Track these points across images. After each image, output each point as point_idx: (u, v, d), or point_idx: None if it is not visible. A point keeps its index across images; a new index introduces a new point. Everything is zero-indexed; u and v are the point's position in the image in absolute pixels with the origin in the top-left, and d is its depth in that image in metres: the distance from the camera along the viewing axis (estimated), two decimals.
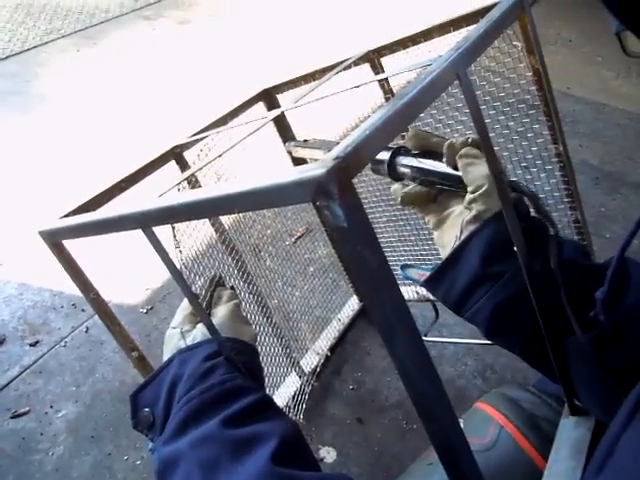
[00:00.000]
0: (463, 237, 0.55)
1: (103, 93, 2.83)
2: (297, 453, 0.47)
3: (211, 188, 0.38)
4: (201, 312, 0.57)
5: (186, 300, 0.67)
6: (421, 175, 0.60)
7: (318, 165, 0.30)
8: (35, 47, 3.38)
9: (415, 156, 0.61)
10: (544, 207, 0.54)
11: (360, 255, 0.31)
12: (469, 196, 0.55)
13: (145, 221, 0.46)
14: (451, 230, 0.58)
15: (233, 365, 0.55)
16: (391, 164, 0.62)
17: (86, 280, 0.69)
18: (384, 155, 0.63)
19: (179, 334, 0.61)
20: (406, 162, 0.61)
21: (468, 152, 0.56)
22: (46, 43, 3.43)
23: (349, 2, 3.80)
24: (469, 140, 0.57)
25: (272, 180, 0.33)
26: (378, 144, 0.35)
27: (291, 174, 0.31)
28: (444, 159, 0.58)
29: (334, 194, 0.30)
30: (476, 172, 0.54)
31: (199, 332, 0.60)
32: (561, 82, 2.68)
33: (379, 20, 3.36)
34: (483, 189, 0.54)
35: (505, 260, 0.52)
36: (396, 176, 0.64)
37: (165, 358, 0.60)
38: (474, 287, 0.54)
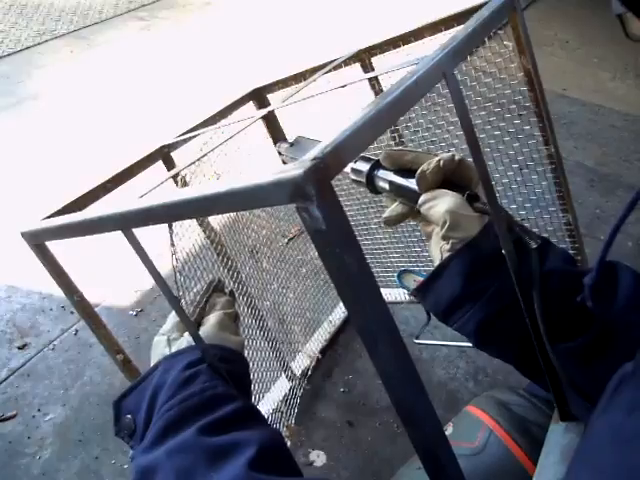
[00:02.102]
0: (444, 257, 0.56)
1: (96, 94, 2.81)
2: (277, 461, 0.46)
3: (189, 189, 0.37)
4: (183, 316, 0.55)
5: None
6: (398, 191, 0.59)
7: (296, 166, 0.29)
8: (28, 48, 3.36)
9: (394, 172, 0.60)
10: (519, 224, 0.54)
11: (340, 259, 0.30)
12: (440, 233, 0.55)
13: (125, 223, 0.45)
14: (435, 248, 0.58)
15: (216, 372, 0.54)
16: (370, 177, 0.62)
17: (70, 282, 0.67)
18: (364, 167, 0.62)
19: (165, 341, 0.60)
20: (384, 176, 0.60)
21: (426, 198, 0.56)
22: (39, 44, 3.41)
23: (341, 1, 3.80)
24: (441, 164, 0.56)
25: (250, 181, 0.32)
26: (359, 145, 0.34)
27: (269, 175, 0.31)
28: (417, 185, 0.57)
29: (312, 195, 0.29)
30: (437, 212, 0.55)
31: (185, 340, 0.59)
32: (557, 83, 2.68)
33: (370, 19, 3.35)
34: (447, 225, 0.54)
35: (487, 278, 0.53)
36: (375, 190, 0.63)
37: (152, 365, 0.59)
38: (458, 303, 0.54)
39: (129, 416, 0.54)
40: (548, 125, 0.72)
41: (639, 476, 0.26)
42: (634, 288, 0.51)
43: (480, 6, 0.61)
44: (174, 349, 0.59)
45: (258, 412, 0.54)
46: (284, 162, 1.09)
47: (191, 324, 0.57)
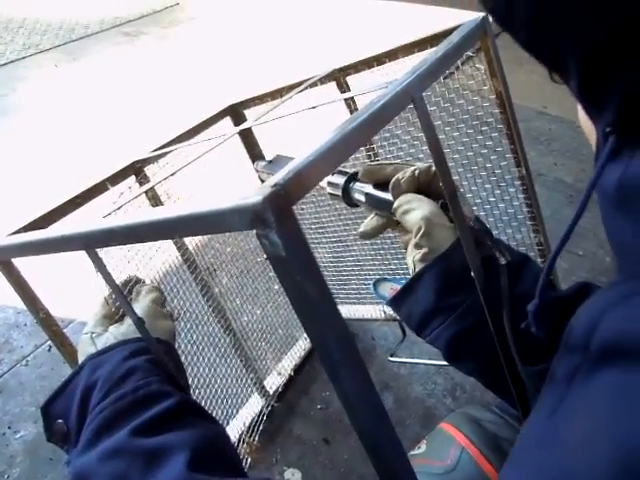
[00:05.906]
0: (416, 269, 0.55)
1: (80, 109, 2.79)
2: (215, 459, 0.45)
3: (151, 211, 0.36)
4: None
5: (98, 304, 0.62)
6: (373, 203, 0.60)
7: (256, 192, 0.29)
8: (12, 62, 3.35)
9: (372, 185, 0.60)
10: (493, 238, 0.54)
11: (300, 286, 0.30)
12: (413, 241, 0.55)
13: (87, 243, 0.44)
14: (409, 257, 0.58)
15: (150, 368, 0.52)
16: (345, 190, 0.62)
17: (35, 299, 0.66)
18: (340, 180, 0.62)
19: (89, 339, 0.58)
20: (360, 189, 0.61)
21: (402, 201, 0.56)
22: (24, 58, 3.40)
23: (319, 21, 3.83)
24: (416, 173, 0.56)
25: (210, 206, 0.31)
26: (323, 170, 0.33)
27: (229, 200, 0.30)
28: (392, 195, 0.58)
29: (271, 222, 0.28)
30: (412, 218, 0.55)
31: (111, 335, 0.57)
32: (538, 101, 2.70)
33: (350, 38, 3.38)
34: (421, 232, 0.54)
35: (459, 292, 0.52)
36: (351, 202, 0.63)
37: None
38: (431, 316, 0.54)
39: (60, 421, 0.52)
40: (519, 146, 0.73)
41: (555, 475, 0.28)
42: None
43: (453, 29, 0.62)
44: (99, 345, 0.56)
45: (194, 407, 0.52)
46: (262, 180, 1.09)
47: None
